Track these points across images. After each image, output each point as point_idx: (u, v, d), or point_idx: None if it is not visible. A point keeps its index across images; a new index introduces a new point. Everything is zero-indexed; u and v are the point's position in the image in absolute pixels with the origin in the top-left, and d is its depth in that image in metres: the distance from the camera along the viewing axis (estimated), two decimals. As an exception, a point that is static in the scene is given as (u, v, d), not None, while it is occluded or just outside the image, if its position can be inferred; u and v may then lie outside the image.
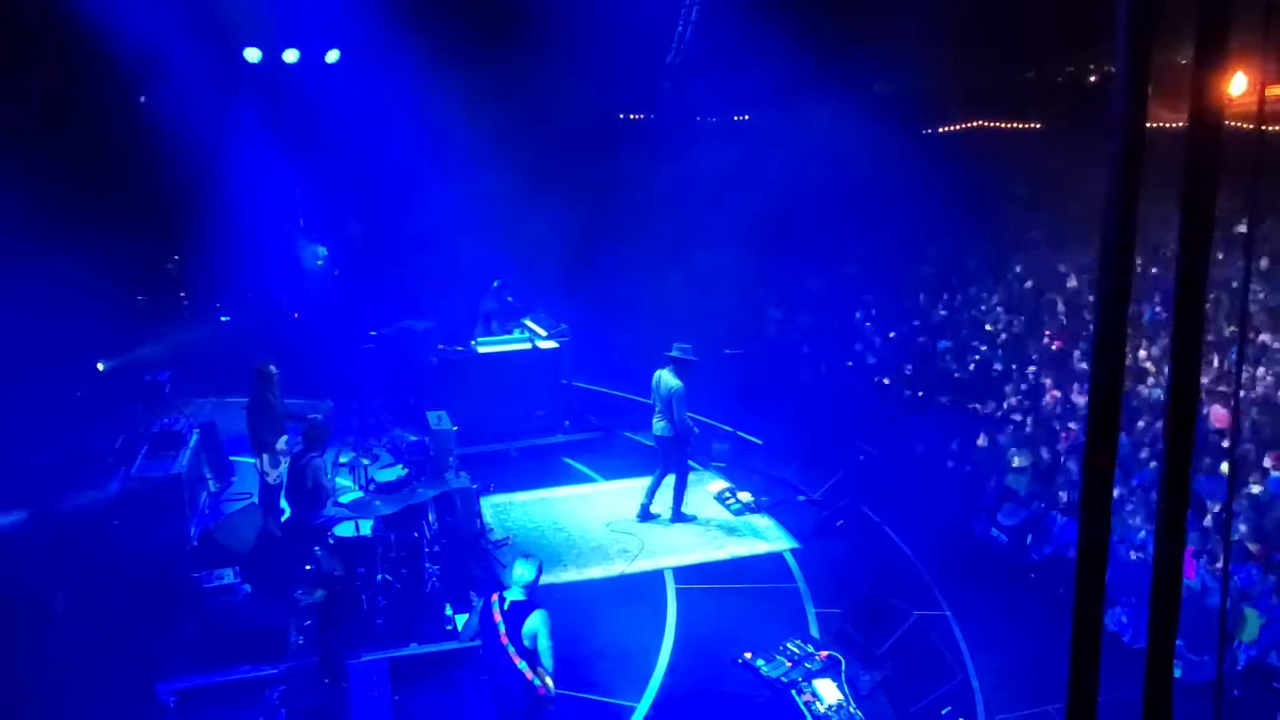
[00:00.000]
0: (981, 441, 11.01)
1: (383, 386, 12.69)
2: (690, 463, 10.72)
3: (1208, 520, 8.42)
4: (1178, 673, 6.90)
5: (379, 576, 8.05)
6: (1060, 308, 14.02)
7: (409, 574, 8.27)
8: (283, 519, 9.17)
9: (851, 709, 7.38)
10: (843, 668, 7.86)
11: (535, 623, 5.88)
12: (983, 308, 14.85)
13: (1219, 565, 7.88)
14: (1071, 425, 10.65)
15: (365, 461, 9.43)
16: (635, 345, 12.81)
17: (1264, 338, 11.42)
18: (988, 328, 14.11)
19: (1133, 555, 8.50)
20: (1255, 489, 8.87)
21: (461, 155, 14.65)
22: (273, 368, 9.72)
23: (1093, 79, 21.68)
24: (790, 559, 9.87)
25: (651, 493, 10.48)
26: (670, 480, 10.40)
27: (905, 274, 16.42)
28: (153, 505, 9.14)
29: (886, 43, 15.91)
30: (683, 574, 9.49)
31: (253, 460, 9.79)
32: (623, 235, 15.39)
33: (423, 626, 8.07)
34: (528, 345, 12.82)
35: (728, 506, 10.92)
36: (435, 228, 15.12)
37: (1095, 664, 1.58)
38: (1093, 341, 1.51)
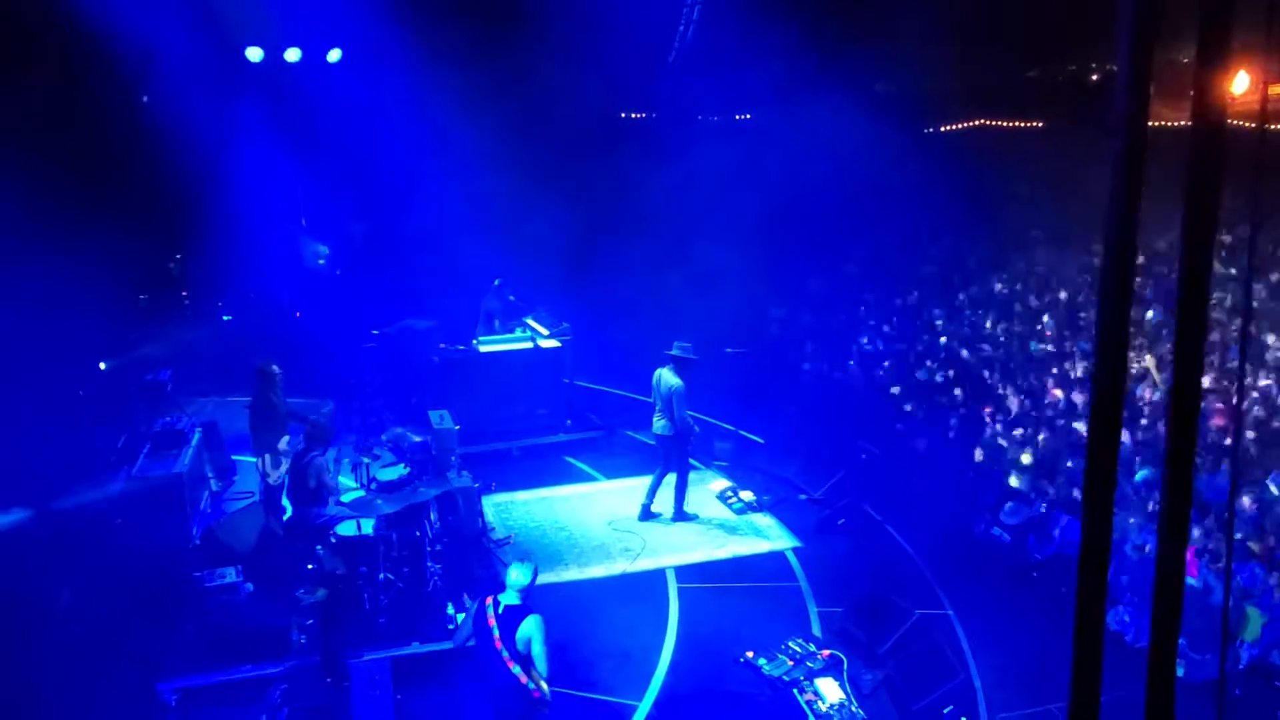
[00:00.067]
0: (981, 446, 10.99)
1: (384, 386, 12.69)
2: (692, 461, 10.72)
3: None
4: (1180, 671, 6.89)
5: (381, 575, 8.05)
6: (1061, 308, 14.00)
7: (411, 573, 8.27)
8: (284, 518, 9.18)
9: (853, 708, 7.38)
10: (845, 666, 7.86)
11: (530, 628, 5.83)
12: (982, 310, 14.83)
13: (1221, 564, 7.87)
14: (1076, 425, 10.64)
15: (367, 460, 9.44)
16: (636, 344, 12.80)
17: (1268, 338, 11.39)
18: (988, 327, 14.11)
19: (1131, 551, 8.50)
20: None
21: (463, 154, 14.65)
22: (275, 367, 9.73)
23: (1094, 78, 21.67)
24: (792, 558, 9.87)
25: (653, 491, 10.48)
26: (671, 479, 10.40)
27: (906, 273, 16.41)
28: (155, 504, 9.17)
29: (888, 42, 15.90)
30: (684, 573, 9.49)
31: (254, 459, 9.80)
32: (624, 234, 15.35)
33: (425, 626, 8.06)
34: (529, 344, 12.82)
35: (729, 505, 10.92)
36: (437, 227, 15.11)
37: (1098, 663, 1.58)
38: (1094, 341, 1.50)
